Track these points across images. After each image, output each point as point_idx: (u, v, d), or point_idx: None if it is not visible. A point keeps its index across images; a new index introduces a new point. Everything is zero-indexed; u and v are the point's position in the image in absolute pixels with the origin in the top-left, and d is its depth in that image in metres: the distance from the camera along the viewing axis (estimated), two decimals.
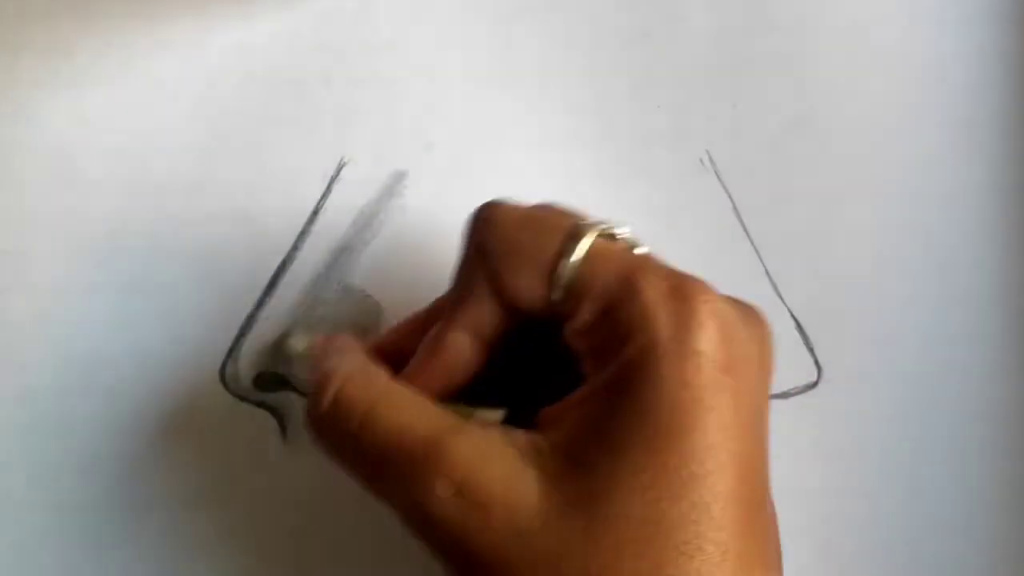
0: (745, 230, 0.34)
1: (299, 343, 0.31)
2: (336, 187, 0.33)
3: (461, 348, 0.25)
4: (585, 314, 0.23)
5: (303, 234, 0.32)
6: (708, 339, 0.22)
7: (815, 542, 0.33)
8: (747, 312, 0.25)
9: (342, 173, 0.33)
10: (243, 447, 0.32)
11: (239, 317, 0.32)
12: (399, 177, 0.33)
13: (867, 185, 0.34)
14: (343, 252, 0.32)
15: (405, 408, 0.24)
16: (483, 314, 0.25)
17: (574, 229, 0.24)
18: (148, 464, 0.31)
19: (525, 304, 0.24)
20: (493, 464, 0.22)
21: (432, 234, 0.33)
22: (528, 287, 0.24)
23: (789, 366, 0.33)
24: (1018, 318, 0.34)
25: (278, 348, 0.32)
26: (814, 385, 0.33)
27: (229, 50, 0.33)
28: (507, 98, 0.34)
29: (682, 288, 0.23)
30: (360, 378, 0.25)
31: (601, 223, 0.25)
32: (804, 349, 0.33)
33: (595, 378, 0.23)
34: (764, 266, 0.33)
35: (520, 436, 0.23)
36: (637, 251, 0.25)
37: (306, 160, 0.33)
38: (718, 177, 0.34)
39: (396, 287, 0.32)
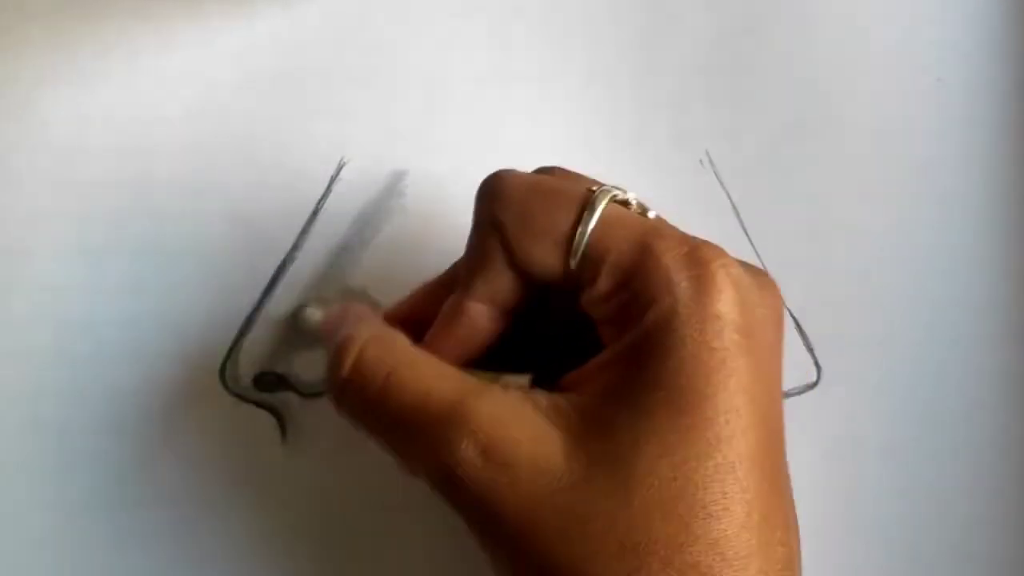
0: (745, 230, 0.34)
1: (315, 314, 0.31)
2: (336, 187, 0.33)
3: (479, 318, 0.25)
4: (603, 282, 0.23)
5: (303, 234, 0.32)
6: (727, 302, 0.22)
7: (814, 542, 0.32)
8: (759, 276, 0.25)
9: (342, 173, 0.33)
10: (243, 447, 0.32)
11: (239, 317, 0.32)
12: (399, 177, 0.33)
13: (866, 185, 0.34)
14: (343, 252, 0.32)
15: (427, 371, 0.24)
16: (500, 284, 0.25)
17: (587, 197, 0.24)
18: (148, 464, 0.31)
19: (541, 274, 0.24)
20: (518, 424, 0.22)
21: (432, 234, 0.33)
22: (544, 257, 0.24)
23: (789, 366, 0.33)
24: (1018, 318, 0.34)
25: (294, 319, 0.32)
26: (814, 385, 0.33)
27: (229, 50, 0.33)
28: (507, 98, 0.34)
29: (699, 253, 0.23)
30: (380, 342, 0.25)
31: (613, 189, 0.25)
32: (804, 349, 0.33)
33: (616, 344, 0.23)
34: (764, 266, 0.33)
35: (542, 398, 0.23)
36: (649, 215, 0.25)
37: (306, 160, 0.33)
38: (718, 177, 0.34)
39: (396, 287, 0.32)
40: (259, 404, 0.32)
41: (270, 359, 0.32)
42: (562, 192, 0.25)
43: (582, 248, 0.24)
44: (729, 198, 0.34)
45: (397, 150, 0.33)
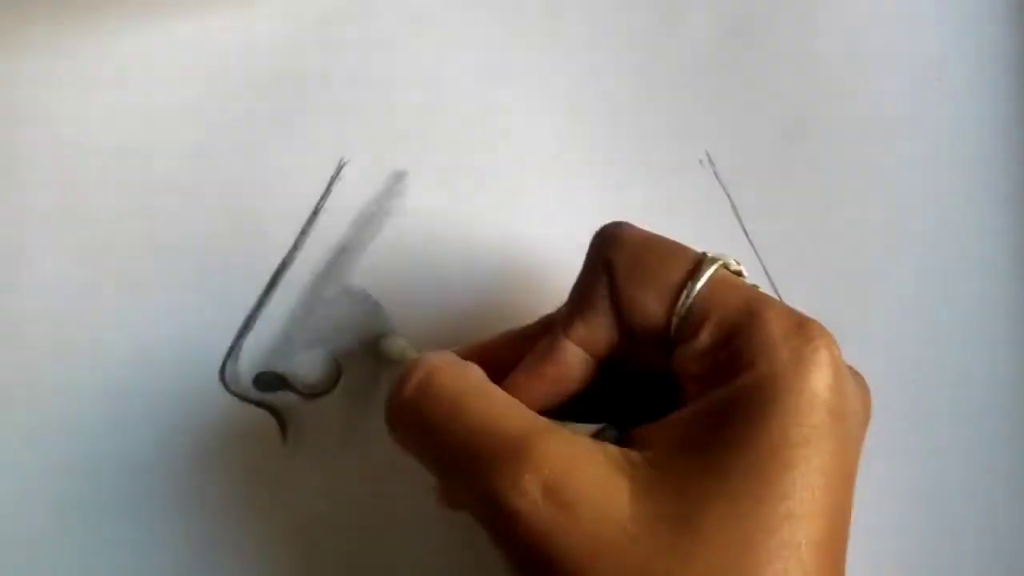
0: (744, 230, 0.34)
1: (398, 341, 0.31)
2: (336, 187, 0.33)
3: (573, 359, 0.25)
4: (704, 338, 0.23)
5: (303, 234, 0.32)
6: (826, 382, 0.22)
7: None
8: (856, 372, 0.25)
9: (342, 173, 0.33)
10: (243, 447, 0.32)
11: (239, 317, 0.32)
12: (399, 177, 0.33)
13: (867, 185, 0.34)
14: (343, 252, 0.32)
15: (497, 402, 0.24)
16: (599, 328, 0.25)
17: (700, 258, 0.24)
18: (148, 464, 0.31)
19: (642, 322, 0.24)
20: (584, 467, 0.22)
21: (432, 234, 0.33)
22: (650, 305, 0.24)
23: None
24: (1019, 318, 0.34)
25: (376, 346, 0.32)
26: None
27: (229, 50, 0.33)
28: (507, 98, 0.33)
29: (806, 328, 0.23)
30: (452, 367, 0.25)
31: (726, 257, 0.25)
32: None
33: (700, 401, 0.23)
34: (764, 266, 0.33)
35: (611, 447, 0.23)
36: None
37: (306, 160, 0.33)
38: (717, 177, 0.34)
39: (396, 287, 0.32)
40: (259, 404, 0.32)
41: (270, 359, 0.32)
42: (678, 249, 0.25)
43: (690, 300, 0.24)
44: (729, 198, 0.34)
45: (397, 150, 0.33)
